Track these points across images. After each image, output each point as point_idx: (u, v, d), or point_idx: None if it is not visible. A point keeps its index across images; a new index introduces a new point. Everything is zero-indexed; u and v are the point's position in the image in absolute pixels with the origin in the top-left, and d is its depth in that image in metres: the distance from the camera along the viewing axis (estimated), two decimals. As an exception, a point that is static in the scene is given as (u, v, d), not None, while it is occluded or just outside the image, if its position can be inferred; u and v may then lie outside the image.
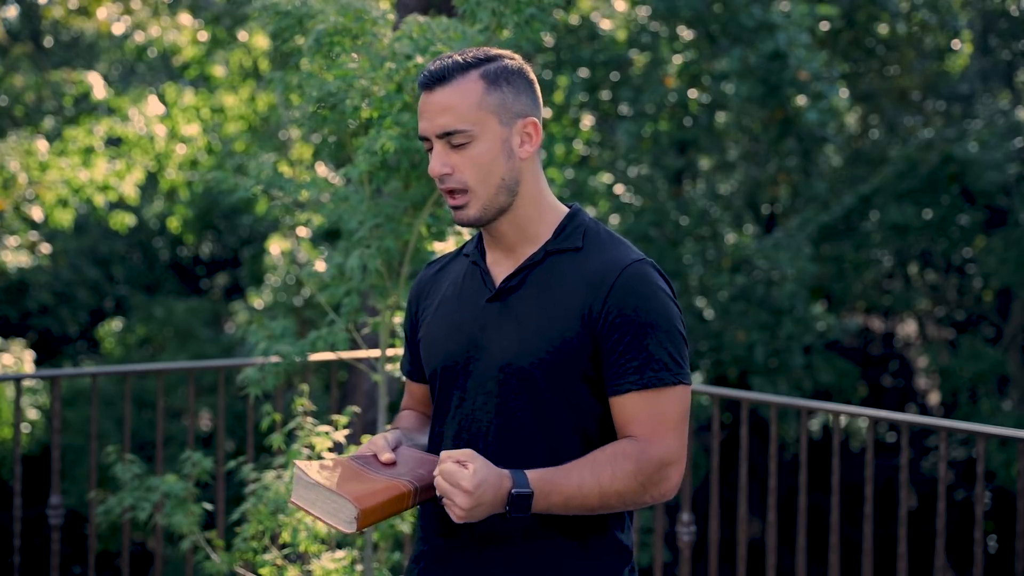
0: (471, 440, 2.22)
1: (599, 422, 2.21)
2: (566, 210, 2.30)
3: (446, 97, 2.19)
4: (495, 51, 2.25)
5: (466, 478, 2.03)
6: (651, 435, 2.16)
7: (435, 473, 2.09)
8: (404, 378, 2.50)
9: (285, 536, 3.58)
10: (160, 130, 11.08)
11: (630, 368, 2.16)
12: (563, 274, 2.22)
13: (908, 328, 16.77)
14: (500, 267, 2.28)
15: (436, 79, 2.20)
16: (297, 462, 2.19)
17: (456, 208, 2.22)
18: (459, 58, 2.21)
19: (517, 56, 2.27)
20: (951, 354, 13.75)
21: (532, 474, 2.10)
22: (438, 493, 2.08)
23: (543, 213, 2.27)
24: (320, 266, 3.96)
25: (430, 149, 2.23)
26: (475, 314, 2.26)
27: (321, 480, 2.12)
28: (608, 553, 2.22)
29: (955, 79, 13.64)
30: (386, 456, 2.17)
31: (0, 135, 12.13)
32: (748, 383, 11.72)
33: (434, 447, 2.31)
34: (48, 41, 15.43)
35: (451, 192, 2.21)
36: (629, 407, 2.17)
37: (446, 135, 2.19)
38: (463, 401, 2.24)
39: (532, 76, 2.27)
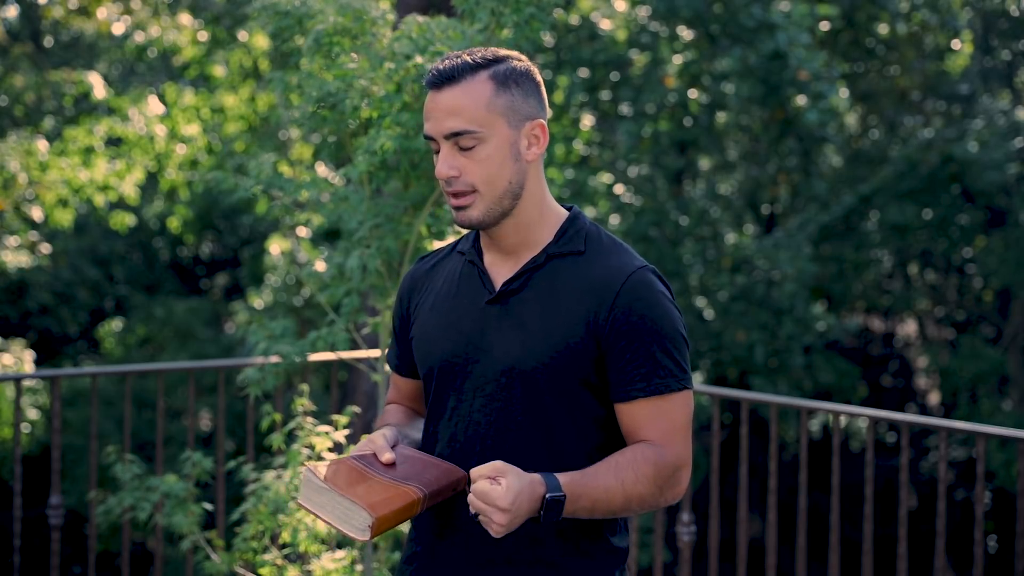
0: (468, 442, 2.21)
1: (599, 425, 2.21)
2: (565, 212, 2.28)
3: (455, 98, 2.15)
4: (503, 52, 2.21)
5: (501, 496, 2.01)
6: (663, 440, 2.17)
7: (469, 494, 2.07)
8: (390, 371, 2.47)
9: (285, 536, 3.58)
10: (160, 130, 11.07)
11: (637, 376, 2.16)
12: (566, 278, 2.20)
13: (908, 328, 16.77)
14: (499, 268, 2.26)
15: (445, 78, 2.16)
16: (307, 463, 2.17)
17: (459, 209, 2.19)
18: (468, 58, 2.17)
19: (524, 57, 2.24)
20: (951, 354, 13.75)
21: (562, 477, 2.09)
22: (472, 511, 2.06)
23: (544, 215, 2.25)
24: (320, 266, 3.96)
25: (437, 150, 2.20)
26: (474, 315, 2.24)
27: (333, 484, 2.10)
28: (601, 555, 2.22)
29: (955, 79, 13.64)
30: (386, 456, 2.16)
31: (0, 135, 12.13)
32: (748, 383, 11.72)
33: (428, 448, 2.29)
34: (48, 41, 15.43)
35: (455, 193, 2.18)
36: (638, 414, 2.17)
37: (454, 136, 2.15)
38: (460, 403, 2.23)
39: (539, 78, 2.24)
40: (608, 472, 2.12)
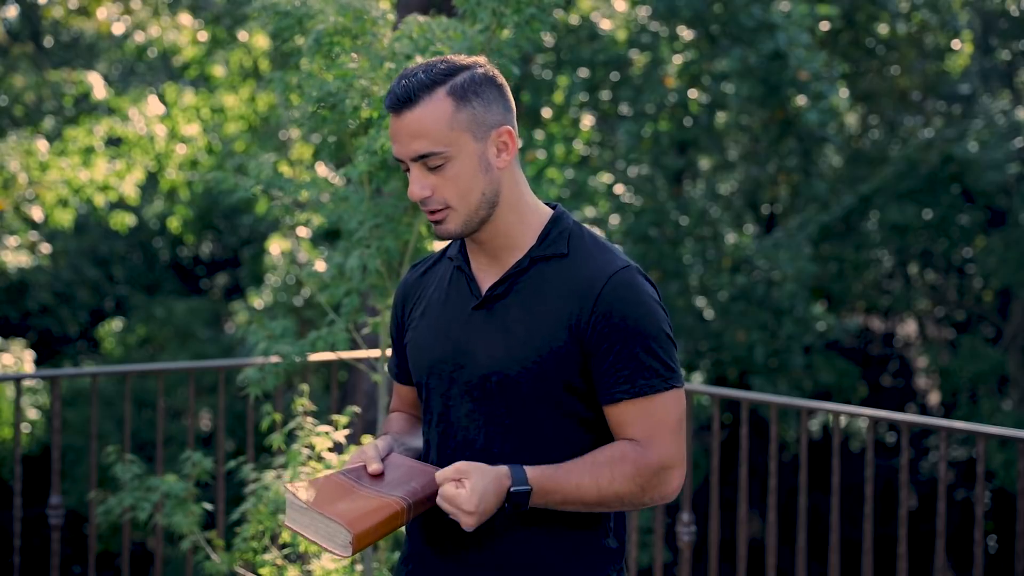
0: (458, 448, 2.22)
1: (588, 428, 2.21)
2: (549, 212, 2.27)
3: (416, 120, 2.13)
4: (460, 60, 2.19)
5: (466, 500, 2.05)
6: (649, 439, 2.17)
7: (437, 498, 2.11)
8: (392, 380, 2.50)
9: (285, 536, 3.59)
10: (160, 130, 11.07)
11: (621, 377, 2.15)
12: (550, 282, 2.20)
13: (908, 328, 16.76)
14: (485, 273, 2.26)
15: (403, 102, 2.14)
16: (287, 484, 2.17)
17: (437, 223, 2.20)
18: (423, 75, 2.14)
19: (483, 61, 2.22)
20: (951, 354, 13.75)
21: (532, 471, 2.11)
22: (444, 511, 2.10)
23: (524, 217, 2.24)
24: (320, 266, 3.96)
25: (406, 170, 2.20)
26: (461, 321, 2.24)
27: (312, 503, 2.10)
28: (594, 555, 2.23)
29: (955, 79, 13.63)
30: (373, 467, 2.17)
31: (0, 135, 12.13)
32: (748, 383, 11.72)
33: (422, 454, 2.31)
34: (48, 41, 15.43)
35: (431, 211, 2.19)
36: (623, 416, 2.17)
37: (421, 158, 2.15)
38: (448, 408, 2.24)
39: (501, 80, 2.22)
40: (584, 469, 2.14)
